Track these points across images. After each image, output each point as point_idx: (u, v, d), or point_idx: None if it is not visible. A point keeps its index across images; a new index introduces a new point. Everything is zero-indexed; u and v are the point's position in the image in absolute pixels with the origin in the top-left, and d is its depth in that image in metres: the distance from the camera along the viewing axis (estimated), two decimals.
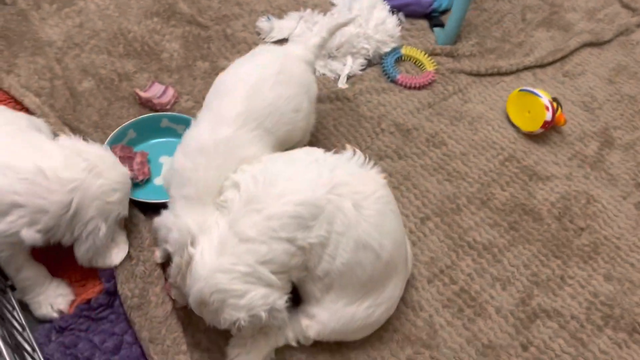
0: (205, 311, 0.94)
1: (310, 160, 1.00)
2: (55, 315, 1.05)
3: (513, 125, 1.58)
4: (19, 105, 1.37)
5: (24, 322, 0.97)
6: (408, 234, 1.30)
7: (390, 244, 1.00)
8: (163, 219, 1.06)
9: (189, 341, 1.05)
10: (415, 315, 1.17)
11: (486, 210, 1.38)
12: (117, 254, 1.11)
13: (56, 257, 1.12)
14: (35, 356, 0.93)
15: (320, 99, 1.53)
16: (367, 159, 1.04)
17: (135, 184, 1.26)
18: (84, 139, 1.08)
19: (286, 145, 1.16)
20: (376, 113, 1.54)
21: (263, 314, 0.91)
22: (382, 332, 1.11)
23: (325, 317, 1.03)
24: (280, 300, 0.93)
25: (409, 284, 1.21)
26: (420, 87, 1.62)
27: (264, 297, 0.92)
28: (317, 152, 1.03)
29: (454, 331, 1.16)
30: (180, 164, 1.05)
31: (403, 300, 1.16)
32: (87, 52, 1.57)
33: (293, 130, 1.16)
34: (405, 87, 1.61)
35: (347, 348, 1.09)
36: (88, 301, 1.09)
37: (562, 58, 1.82)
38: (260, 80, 1.12)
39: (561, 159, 1.53)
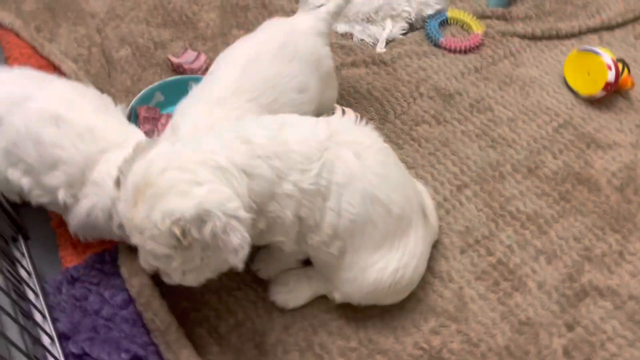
0: (139, 204, 0.73)
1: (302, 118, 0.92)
2: None
3: (571, 90, 1.42)
4: (56, 71, 1.40)
5: (31, 270, 0.96)
6: (442, 201, 1.19)
7: (399, 197, 0.91)
8: None
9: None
10: (443, 286, 1.06)
11: (534, 178, 1.24)
12: None
13: None
14: (38, 304, 0.92)
15: (354, 63, 1.45)
16: (359, 118, 0.95)
17: None
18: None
19: None
20: (415, 77, 1.43)
21: (219, 214, 0.71)
22: (404, 301, 1.01)
23: (348, 288, 0.96)
24: (242, 211, 0.75)
25: (439, 253, 1.10)
26: (466, 51, 1.50)
27: (226, 199, 0.74)
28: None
29: (486, 305, 1.04)
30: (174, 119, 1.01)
31: (430, 269, 1.06)
32: (127, 23, 1.58)
33: (296, 113, 1.02)
34: (449, 50, 1.50)
35: (363, 315, 1.00)
36: (101, 253, 1.07)
37: (635, 19, 1.63)
38: (258, 54, 1.05)
39: (627, 125, 1.35)
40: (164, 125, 1.26)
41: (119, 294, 1.04)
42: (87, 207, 0.91)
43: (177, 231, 0.71)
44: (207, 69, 1.45)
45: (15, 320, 0.73)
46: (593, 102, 1.40)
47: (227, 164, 0.76)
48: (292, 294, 1.00)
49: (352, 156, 0.86)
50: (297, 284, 1.00)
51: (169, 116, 1.28)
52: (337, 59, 1.47)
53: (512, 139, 1.32)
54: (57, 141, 0.90)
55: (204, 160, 0.75)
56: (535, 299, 1.04)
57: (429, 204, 1.04)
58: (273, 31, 1.12)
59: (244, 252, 0.75)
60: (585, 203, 1.19)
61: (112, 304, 1.02)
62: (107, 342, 0.89)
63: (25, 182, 0.93)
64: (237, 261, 0.75)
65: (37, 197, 0.95)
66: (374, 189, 0.87)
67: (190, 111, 0.99)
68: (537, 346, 0.98)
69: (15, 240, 1.00)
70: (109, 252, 1.08)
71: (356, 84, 1.40)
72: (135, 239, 0.77)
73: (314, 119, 0.91)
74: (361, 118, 0.94)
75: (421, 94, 1.40)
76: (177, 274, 0.80)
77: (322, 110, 1.14)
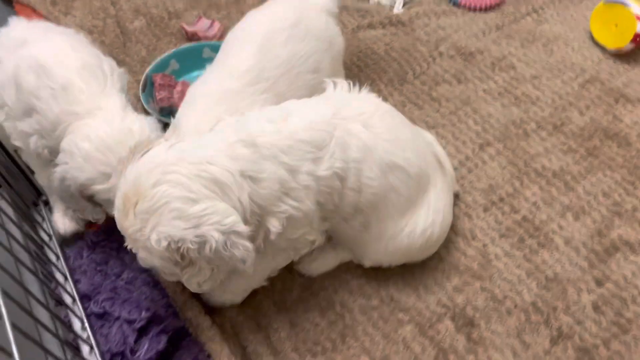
0: (130, 215, 0.69)
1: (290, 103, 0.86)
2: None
3: (598, 45, 1.37)
4: None
5: (52, 233, 0.97)
6: (463, 160, 1.15)
7: (414, 155, 0.88)
8: None
9: None
10: (466, 244, 1.03)
11: (559, 135, 1.20)
12: None
13: None
14: (59, 264, 0.93)
15: (371, 25, 1.42)
16: (353, 84, 0.90)
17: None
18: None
19: None
20: (434, 37, 1.39)
21: (215, 235, 0.68)
22: (426, 259, 0.99)
23: (378, 256, 0.95)
24: (241, 224, 0.70)
25: (461, 211, 1.07)
26: (487, 9, 1.45)
27: (222, 214, 0.69)
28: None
29: (511, 262, 1.01)
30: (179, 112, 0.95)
31: (453, 227, 1.03)
32: None
33: (309, 96, 0.98)
34: (469, 9, 1.45)
35: (384, 274, 0.98)
36: None
37: None
38: (271, 33, 0.99)
39: None
40: (180, 93, 1.25)
41: None
42: (60, 173, 0.87)
43: (176, 255, 0.69)
44: (222, 36, 1.43)
45: (38, 277, 0.73)
46: (621, 56, 1.34)
47: (224, 175, 0.71)
48: (316, 262, 0.98)
49: (361, 128, 0.82)
50: (321, 253, 0.97)
51: (185, 84, 1.27)
52: (353, 22, 1.44)
53: (535, 97, 1.27)
54: (33, 90, 0.88)
55: (199, 172, 0.70)
56: (563, 255, 1.01)
57: (441, 151, 1.01)
58: (285, 6, 1.05)
59: (251, 259, 0.72)
60: (615, 158, 1.15)
61: (132, 268, 1.03)
62: (128, 302, 0.90)
63: (6, 125, 0.93)
64: (246, 268, 0.73)
65: (15, 141, 0.94)
66: (390, 155, 0.84)
67: (196, 105, 0.94)
68: (565, 302, 0.95)
69: (36, 204, 1.01)
70: None
71: (373, 45, 1.37)
72: (130, 246, 0.73)
73: (313, 98, 0.88)
74: (354, 84, 0.89)
75: (441, 54, 1.36)
76: (192, 285, 0.76)
77: None
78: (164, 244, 0.67)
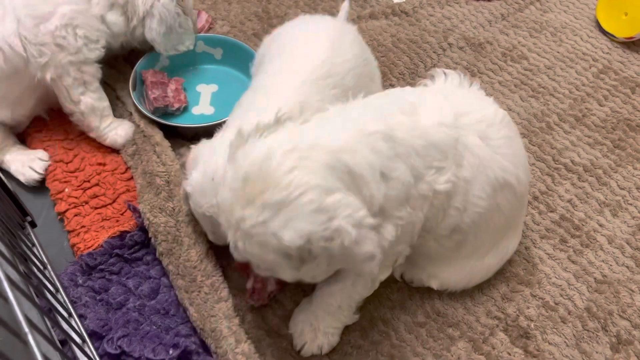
0: (257, 205, 0.58)
1: (418, 93, 0.77)
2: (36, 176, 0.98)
3: (605, 33, 1.33)
4: None
5: (45, 260, 0.82)
6: None
7: (524, 172, 0.80)
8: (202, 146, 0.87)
9: (231, 285, 0.87)
10: None
11: (583, 127, 1.15)
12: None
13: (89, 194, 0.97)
14: (59, 297, 0.78)
15: (373, 15, 1.33)
16: (463, 77, 0.82)
17: (171, 114, 1.10)
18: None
19: None
20: (441, 27, 1.32)
21: (350, 229, 0.58)
22: None
23: (456, 277, 0.87)
24: (371, 218, 0.61)
25: None
26: None
27: (354, 207, 0.60)
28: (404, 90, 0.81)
29: (557, 265, 0.94)
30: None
31: None
32: None
33: None
34: None
35: (423, 287, 0.90)
36: (120, 236, 0.93)
37: None
38: (339, 33, 0.93)
39: None
40: (174, 91, 1.11)
41: (145, 283, 0.90)
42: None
43: (305, 252, 0.59)
44: (209, 28, 1.30)
45: (45, 317, 0.59)
46: (629, 44, 1.31)
47: (364, 169, 0.62)
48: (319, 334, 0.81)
49: (478, 141, 0.73)
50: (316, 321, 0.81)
51: (178, 81, 1.14)
52: (353, 12, 1.34)
53: (553, 88, 1.22)
54: None
55: (336, 161, 0.60)
56: (608, 255, 0.96)
57: None
58: (327, 20, 0.99)
59: (379, 258, 0.63)
60: None
61: (138, 295, 0.89)
62: (148, 338, 0.76)
63: None
64: (373, 267, 0.62)
65: None
66: (504, 173, 0.75)
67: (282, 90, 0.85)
68: (619, 305, 0.90)
69: (22, 227, 0.85)
70: (129, 233, 0.94)
71: (379, 36, 1.27)
72: (234, 239, 0.62)
73: (428, 90, 0.78)
74: (465, 77, 0.81)
75: (450, 45, 1.28)
76: (306, 278, 0.65)
77: None
78: (299, 242, 0.57)
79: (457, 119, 0.72)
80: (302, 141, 0.60)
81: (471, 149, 0.72)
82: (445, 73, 0.80)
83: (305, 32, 0.95)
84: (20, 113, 1.02)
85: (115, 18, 1.01)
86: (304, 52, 0.90)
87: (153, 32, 1.05)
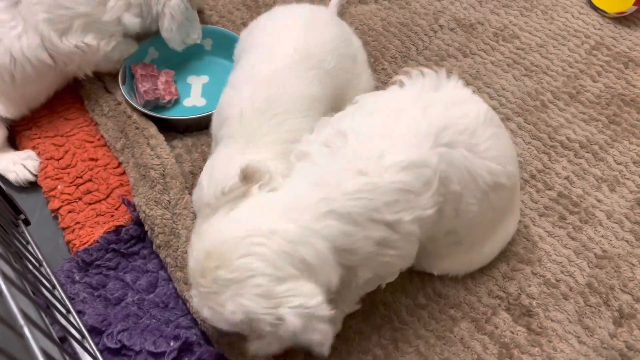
0: (208, 277, 0.62)
1: (393, 107, 0.73)
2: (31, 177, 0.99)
3: (596, 9, 1.32)
4: None
5: (40, 257, 0.81)
6: None
7: (514, 166, 0.80)
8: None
9: None
10: None
11: (577, 104, 1.14)
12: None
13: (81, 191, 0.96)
14: (57, 294, 0.77)
15: (362, 0, 1.31)
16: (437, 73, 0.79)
17: (162, 107, 1.09)
18: None
19: (338, 106, 0.87)
20: (431, 9, 1.31)
21: (295, 320, 0.59)
22: None
23: (455, 266, 0.87)
24: (325, 307, 0.62)
25: None
26: None
27: (306, 295, 0.61)
28: (388, 94, 0.78)
29: (557, 242, 0.94)
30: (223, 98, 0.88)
31: None
32: None
33: (350, 82, 0.94)
34: None
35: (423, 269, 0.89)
36: (115, 230, 0.92)
37: None
38: (313, 17, 0.93)
39: None
40: (165, 84, 1.10)
41: (143, 277, 0.89)
42: None
43: (247, 327, 0.62)
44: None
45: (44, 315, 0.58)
46: (621, 19, 1.30)
47: (315, 259, 0.63)
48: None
49: (465, 153, 0.71)
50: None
51: (168, 73, 1.12)
52: None
53: (545, 66, 1.21)
54: None
55: (290, 250, 0.61)
56: (607, 230, 0.95)
57: None
58: (304, 7, 0.98)
59: (328, 343, 0.64)
60: (636, 125, 1.10)
61: (136, 290, 0.88)
62: (148, 331, 0.75)
63: None
64: (322, 351, 0.63)
65: None
66: (494, 177, 0.74)
67: (242, 92, 0.85)
68: (621, 279, 0.90)
69: (16, 225, 0.84)
70: (124, 228, 0.93)
71: (369, 21, 1.26)
72: (196, 300, 0.66)
73: (405, 100, 0.74)
74: (442, 74, 0.78)
75: (441, 26, 1.27)
76: (257, 353, 0.67)
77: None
78: (240, 317, 0.60)
79: (438, 137, 0.69)
80: (260, 226, 0.62)
81: (458, 165, 0.70)
82: (423, 73, 0.77)
83: (277, 22, 0.94)
84: (30, 107, 1.06)
85: (131, 19, 1.02)
86: (278, 40, 0.89)
87: (168, 31, 1.06)
